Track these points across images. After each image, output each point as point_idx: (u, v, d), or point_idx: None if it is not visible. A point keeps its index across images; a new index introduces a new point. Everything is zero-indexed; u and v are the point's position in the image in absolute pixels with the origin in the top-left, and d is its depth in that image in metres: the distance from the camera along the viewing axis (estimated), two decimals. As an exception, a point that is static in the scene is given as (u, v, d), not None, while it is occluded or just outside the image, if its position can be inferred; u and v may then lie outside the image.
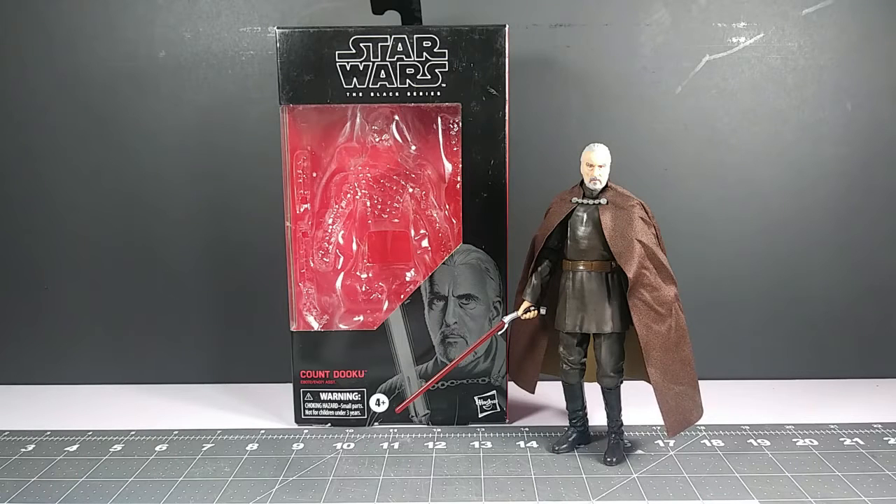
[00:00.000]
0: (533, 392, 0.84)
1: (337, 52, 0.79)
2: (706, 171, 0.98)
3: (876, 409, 0.88)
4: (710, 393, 0.79)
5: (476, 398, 0.85)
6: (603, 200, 0.74)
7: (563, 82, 0.96)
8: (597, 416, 0.80)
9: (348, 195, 0.86)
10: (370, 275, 0.87)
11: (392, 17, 0.84)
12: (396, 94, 0.80)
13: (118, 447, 0.80)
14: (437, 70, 0.79)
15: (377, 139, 0.85)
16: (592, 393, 0.79)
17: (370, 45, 0.79)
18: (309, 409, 0.85)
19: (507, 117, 0.80)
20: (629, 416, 0.79)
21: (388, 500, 0.68)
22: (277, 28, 0.79)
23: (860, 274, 0.99)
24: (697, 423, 0.78)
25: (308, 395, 0.85)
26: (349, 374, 0.85)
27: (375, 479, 0.72)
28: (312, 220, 0.86)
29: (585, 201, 0.75)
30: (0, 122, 0.96)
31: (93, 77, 0.95)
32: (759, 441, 0.79)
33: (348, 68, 0.79)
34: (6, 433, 0.84)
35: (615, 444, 0.76)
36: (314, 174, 0.85)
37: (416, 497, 0.69)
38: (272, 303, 0.96)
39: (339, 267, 0.87)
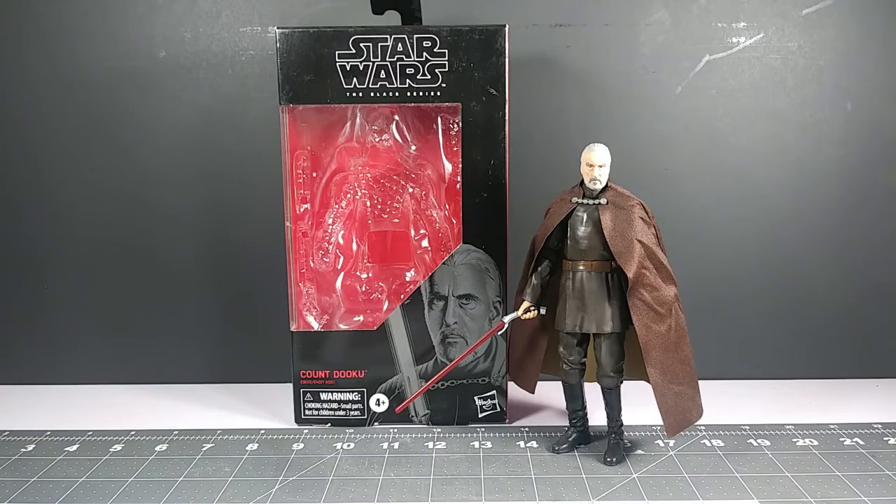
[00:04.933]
0: (533, 392, 0.84)
1: (337, 52, 0.79)
2: (706, 171, 0.98)
3: (876, 409, 0.88)
4: (710, 393, 0.79)
5: (476, 398, 0.85)
6: (603, 200, 0.74)
7: (563, 82, 0.96)
8: (597, 416, 0.80)
9: (348, 195, 0.86)
10: (370, 275, 0.87)
11: (392, 17, 0.84)
12: (396, 94, 0.80)
13: (118, 447, 0.80)
14: (437, 70, 0.79)
15: (377, 139, 0.85)
16: (592, 393, 0.79)
17: (370, 45, 0.79)
18: (309, 409, 0.85)
19: (507, 117, 0.80)
20: (629, 416, 0.78)
21: (388, 500, 0.68)
22: (277, 28, 0.79)
23: (860, 274, 0.99)
24: (697, 423, 0.78)
25: (308, 395, 0.85)
26: (349, 374, 0.85)
27: (375, 479, 0.72)
28: (312, 220, 0.86)
29: (585, 201, 0.75)
30: (0, 122, 0.96)
31: (93, 77, 0.95)
32: (759, 441, 0.79)
33: (348, 68, 0.79)
34: (6, 433, 0.84)
35: (615, 444, 0.76)
36: (314, 174, 0.85)
37: (416, 497, 0.69)
38: (272, 303, 0.96)
39: (339, 267, 0.87)
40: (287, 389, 0.87)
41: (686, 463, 0.75)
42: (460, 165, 0.81)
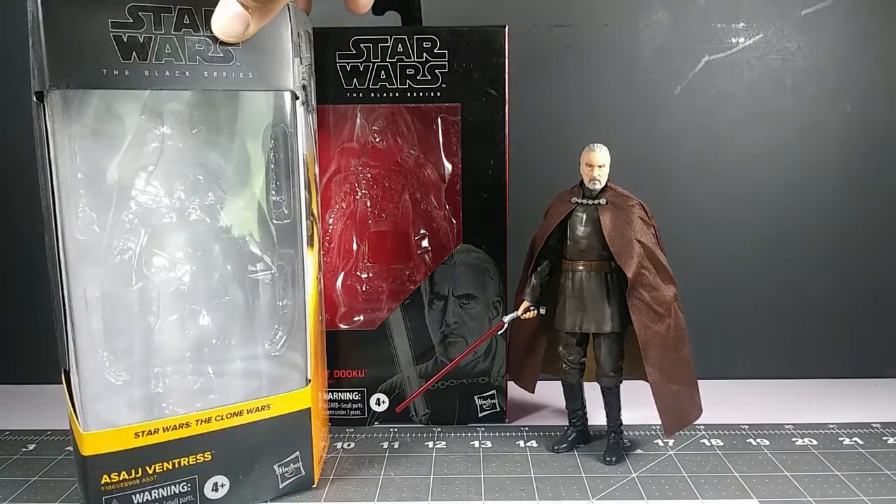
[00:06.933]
0: (532, 391, 0.84)
1: (337, 53, 0.79)
2: (705, 171, 0.98)
3: (875, 409, 0.89)
4: (709, 393, 0.79)
5: (476, 398, 0.85)
6: (602, 200, 0.74)
7: (563, 82, 0.96)
8: (597, 415, 0.80)
9: (348, 195, 0.86)
10: (370, 275, 0.87)
11: (392, 18, 0.84)
12: (396, 94, 0.80)
13: (119, 447, 0.80)
14: (437, 70, 0.79)
15: (377, 139, 0.85)
16: (592, 393, 0.79)
17: (370, 45, 0.79)
18: (309, 408, 0.85)
19: (507, 117, 0.80)
20: (629, 416, 0.79)
21: (389, 500, 0.68)
22: (278, 28, 0.79)
23: (860, 274, 0.99)
24: (696, 423, 0.78)
25: (308, 394, 0.85)
26: (349, 373, 0.85)
27: (375, 478, 0.72)
28: (313, 220, 0.86)
29: (585, 201, 0.75)
30: (2, 121, 0.96)
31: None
32: (758, 440, 0.80)
33: (348, 69, 0.79)
34: (7, 433, 0.84)
35: (615, 444, 0.76)
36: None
37: (416, 496, 0.69)
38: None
39: (339, 267, 0.87)
40: (287, 389, 0.87)
41: (685, 462, 0.75)
42: (460, 165, 0.81)
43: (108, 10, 0.56)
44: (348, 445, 0.80)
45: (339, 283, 0.87)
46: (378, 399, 0.85)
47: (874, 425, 0.83)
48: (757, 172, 0.97)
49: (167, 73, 0.58)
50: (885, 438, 0.80)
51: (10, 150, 0.97)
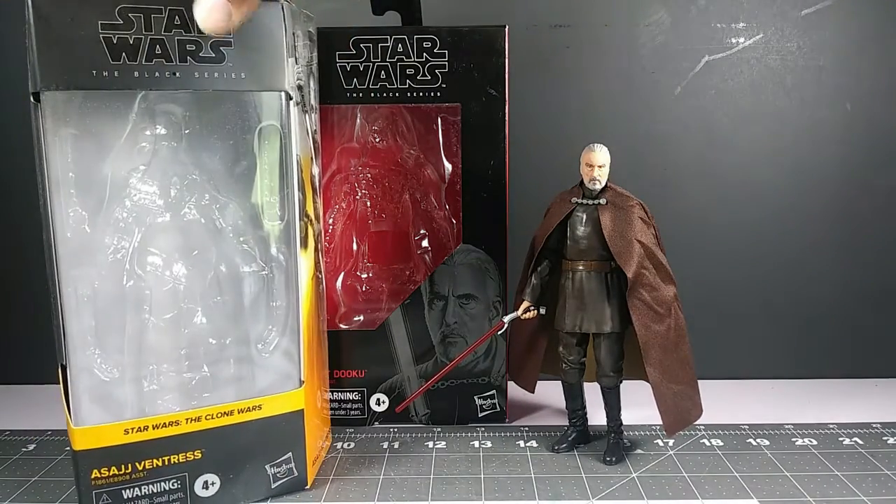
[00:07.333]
0: (532, 391, 0.84)
1: (337, 53, 0.79)
2: (705, 172, 0.98)
3: (875, 409, 0.89)
4: (709, 392, 0.79)
5: (476, 398, 0.85)
6: (602, 200, 0.74)
7: (563, 82, 0.96)
8: (597, 415, 0.80)
9: (348, 195, 0.86)
10: (370, 275, 0.87)
11: (392, 18, 0.84)
12: (396, 94, 0.80)
13: (119, 447, 0.80)
14: (437, 70, 0.79)
15: (377, 139, 0.85)
16: (592, 393, 0.79)
17: (370, 45, 0.79)
18: (309, 408, 0.85)
19: (507, 117, 0.80)
20: (629, 416, 0.79)
21: (389, 500, 0.68)
22: (278, 28, 0.79)
23: (860, 274, 0.99)
24: (697, 423, 0.78)
25: (308, 394, 0.85)
26: (349, 373, 0.85)
27: (375, 478, 0.72)
28: (313, 220, 0.86)
29: (585, 201, 0.75)
30: (1, 121, 0.96)
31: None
32: (758, 440, 0.80)
33: (348, 69, 0.80)
34: (7, 433, 0.84)
35: (615, 444, 0.76)
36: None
37: (416, 496, 0.69)
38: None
39: (339, 267, 0.87)
40: (287, 389, 0.87)
41: (685, 462, 0.75)
42: (460, 165, 0.81)
43: (98, 12, 0.56)
44: (348, 445, 0.80)
45: (339, 283, 0.87)
46: (378, 399, 0.85)
47: (874, 425, 0.83)
48: (757, 172, 0.97)
49: (157, 73, 0.59)
50: (885, 438, 0.80)
51: (15, 151, 0.97)
